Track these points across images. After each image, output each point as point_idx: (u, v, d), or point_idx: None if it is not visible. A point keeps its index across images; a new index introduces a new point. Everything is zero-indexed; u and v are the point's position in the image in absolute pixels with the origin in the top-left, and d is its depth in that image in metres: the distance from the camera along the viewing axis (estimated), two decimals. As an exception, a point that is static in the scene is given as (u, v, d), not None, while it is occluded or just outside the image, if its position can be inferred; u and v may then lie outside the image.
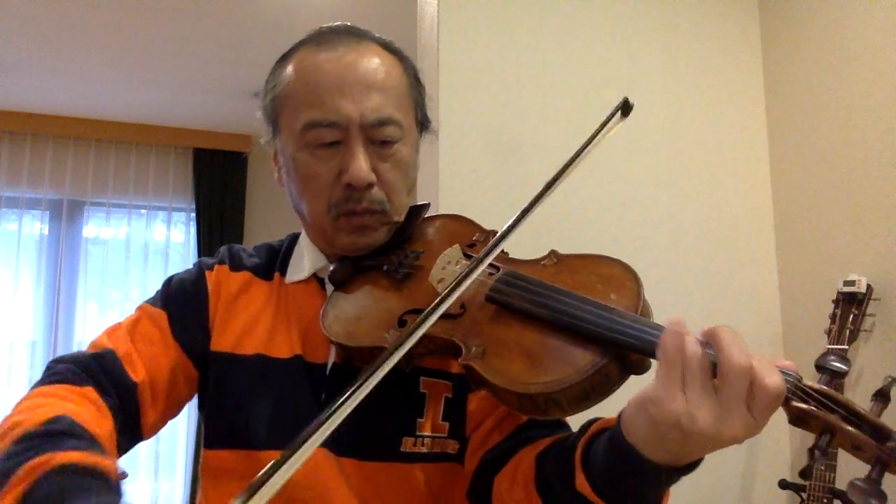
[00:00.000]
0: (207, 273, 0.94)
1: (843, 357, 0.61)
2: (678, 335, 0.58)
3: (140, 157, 4.82)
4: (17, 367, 4.50)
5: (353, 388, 0.58)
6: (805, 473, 0.49)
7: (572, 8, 2.19)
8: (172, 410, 0.89)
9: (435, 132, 0.99)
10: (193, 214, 4.88)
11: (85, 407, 0.76)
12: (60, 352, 4.51)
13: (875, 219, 1.95)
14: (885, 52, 1.94)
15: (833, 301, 1.94)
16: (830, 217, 2.09)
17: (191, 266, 0.99)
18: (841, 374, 0.60)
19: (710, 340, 0.58)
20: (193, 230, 4.89)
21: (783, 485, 1.97)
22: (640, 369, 0.65)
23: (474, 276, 0.68)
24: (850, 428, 0.55)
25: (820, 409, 0.56)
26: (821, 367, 0.61)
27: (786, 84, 2.29)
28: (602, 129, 0.77)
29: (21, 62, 3.81)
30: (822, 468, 1.77)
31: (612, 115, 0.78)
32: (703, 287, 2.20)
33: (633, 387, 0.69)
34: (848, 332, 1.85)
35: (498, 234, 0.73)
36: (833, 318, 1.90)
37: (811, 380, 0.60)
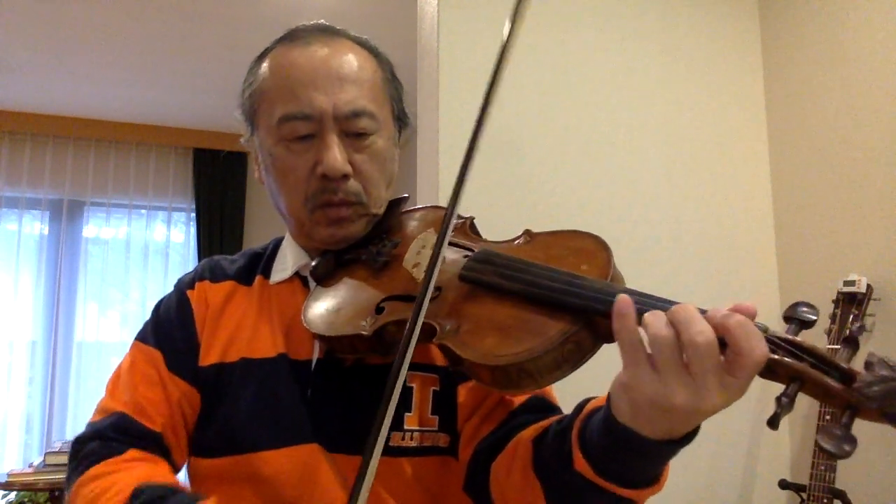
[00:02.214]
0: (189, 292, 0.94)
1: (812, 307, 0.60)
2: (627, 321, 0.58)
3: (140, 157, 4.82)
4: (17, 366, 4.50)
5: (390, 388, 0.61)
6: (772, 422, 0.50)
7: (572, 8, 2.19)
8: (191, 439, 0.90)
9: (415, 129, 1.00)
10: (193, 214, 4.89)
11: (143, 468, 0.80)
12: (60, 352, 4.52)
13: (875, 219, 1.95)
14: (885, 52, 1.94)
15: (833, 301, 1.94)
16: (830, 217, 2.09)
17: (189, 270, 1.00)
18: (809, 324, 0.60)
19: (670, 322, 0.57)
20: (193, 230, 4.89)
21: (783, 485, 1.97)
22: (612, 337, 0.63)
23: (445, 242, 0.68)
24: (818, 374, 0.55)
25: (788, 358, 0.56)
26: (789, 318, 0.60)
27: (786, 84, 2.29)
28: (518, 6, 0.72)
29: (21, 62, 3.81)
30: (822, 468, 1.78)
31: None
32: (703, 287, 2.20)
33: (607, 355, 0.68)
34: (848, 331, 1.85)
35: (451, 200, 0.72)
36: (833, 318, 1.90)
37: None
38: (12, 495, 3.46)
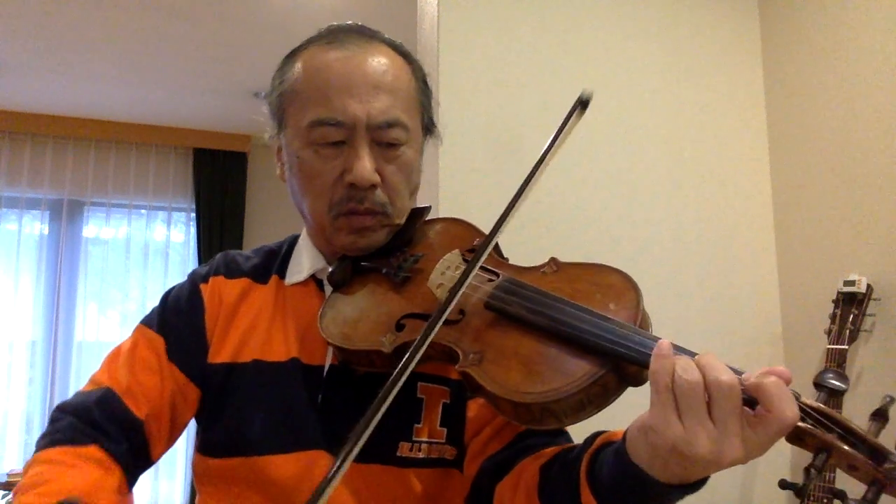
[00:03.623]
0: (202, 286, 0.93)
1: (841, 375, 0.61)
2: (666, 363, 0.57)
3: (140, 157, 4.82)
4: (17, 367, 4.50)
5: (382, 393, 0.61)
6: (801, 493, 0.49)
7: (572, 8, 2.19)
8: (177, 434, 0.89)
9: (440, 137, 0.99)
10: (193, 214, 4.89)
11: (88, 473, 0.78)
12: (61, 352, 4.52)
13: (875, 219, 1.95)
14: (885, 51, 1.94)
15: (833, 301, 1.94)
16: (830, 217, 2.09)
17: (191, 270, 0.98)
18: (839, 392, 0.60)
19: (698, 367, 0.57)
20: (193, 230, 4.89)
21: (783, 485, 1.97)
22: (638, 381, 0.64)
23: (469, 279, 0.68)
24: (847, 448, 0.55)
25: (817, 428, 0.56)
26: (819, 384, 0.61)
27: (786, 84, 2.29)
28: (563, 129, 0.76)
29: (21, 62, 3.81)
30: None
31: (571, 112, 0.78)
32: (703, 287, 2.19)
33: (631, 398, 0.68)
34: (848, 332, 1.85)
35: (483, 242, 0.72)
36: (833, 318, 1.90)
37: (809, 390, 0.59)
38: (12, 495, 3.46)
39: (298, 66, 0.88)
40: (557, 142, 0.74)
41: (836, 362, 1.81)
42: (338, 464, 0.58)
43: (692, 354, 0.60)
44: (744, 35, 2.38)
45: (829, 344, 1.86)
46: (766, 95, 2.36)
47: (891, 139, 1.91)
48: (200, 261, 4.74)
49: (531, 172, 0.74)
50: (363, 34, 0.90)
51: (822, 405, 0.57)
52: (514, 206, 0.73)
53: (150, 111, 4.57)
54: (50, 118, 4.56)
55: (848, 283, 1.91)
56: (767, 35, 2.37)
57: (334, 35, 0.89)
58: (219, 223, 4.86)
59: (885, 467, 0.53)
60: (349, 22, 0.93)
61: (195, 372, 0.88)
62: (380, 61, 0.87)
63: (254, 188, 4.98)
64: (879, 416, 0.57)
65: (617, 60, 2.20)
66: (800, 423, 0.56)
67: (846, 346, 1.83)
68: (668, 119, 2.24)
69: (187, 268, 4.81)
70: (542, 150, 0.73)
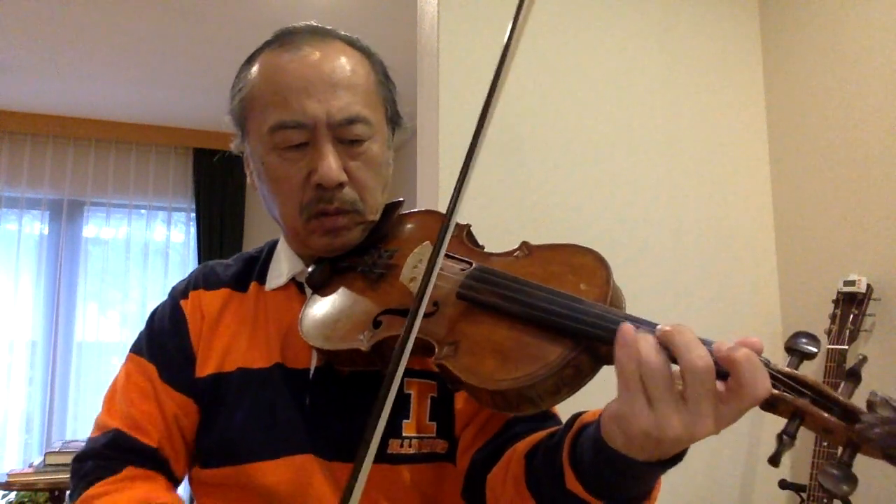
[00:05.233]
0: (182, 302, 0.93)
1: (813, 338, 0.60)
2: (630, 350, 0.56)
3: (140, 157, 4.82)
4: (17, 366, 4.50)
5: (379, 404, 0.61)
6: (774, 460, 0.49)
7: (572, 8, 2.19)
8: (191, 449, 0.90)
9: (408, 129, 0.98)
10: (193, 214, 4.89)
11: (139, 488, 0.81)
12: (61, 352, 4.52)
13: (875, 219, 1.95)
14: (885, 52, 1.94)
15: (833, 301, 1.94)
16: (830, 217, 2.09)
17: (190, 270, 0.99)
18: (810, 356, 0.59)
19: (666, 344, 0.56)
20: (193, 230, 4.89)
21: (783, 485, 1.97)
22: (612, 360, 0.63)
23: (434, 274, 0.67)
24: (819, 411, 0.54)
25: (789, 394, 0.55)
26: (790, 349, 0.60)
27: (786, 84, 2.29)
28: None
29: (21, 62, 3.81)
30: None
31: None
32: (703, 287, 2.20)
33: (609, 374, 0.68)
34: (848, 332, 1.85)
35: (444, 223, 0.71)
36: (833, 318, 1.90)
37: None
38: (12, 495, 3.46)
39: (254, 72, 0.88)
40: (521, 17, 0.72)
41: (836, 362, 1.81)
42: (354, 478, 0.58)
43: (653, 326, 0.59)
44: (744, 35, 2.38)
45: (829, 344, 1.86)
46: (766, 95, 2.36)
47: (891, 139, 1.91)
48: (200, 261, 4.74)
49: (502, 57, 0.73)
50: (316, 33, 0.90)
51: (793, 370, 0.57)
52: (480, 131, 0.72)
53: (150, 111, 4.57)
54: (50, 118, 4.56)
55: (848, 283, 1.91)
56: (767, 35, 2.37)
57: (287, 37, 0.89)
58: (219, 223, 4.86)
59: (857, 427, 0.52)
60: (303, 23, 0.93)
61: (188, 388, 0.88)
62: (336, 58, 0.86)
63: (254, 188, 4.97)
64: (853, 375, 0.57)
65: (617, 60, 2.20)
66: (772, 391, 0.55)
67: (846, 346, 1.84)
68: (668, 119, 2.24)
69: (187, 268, 4.81)
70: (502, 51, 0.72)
